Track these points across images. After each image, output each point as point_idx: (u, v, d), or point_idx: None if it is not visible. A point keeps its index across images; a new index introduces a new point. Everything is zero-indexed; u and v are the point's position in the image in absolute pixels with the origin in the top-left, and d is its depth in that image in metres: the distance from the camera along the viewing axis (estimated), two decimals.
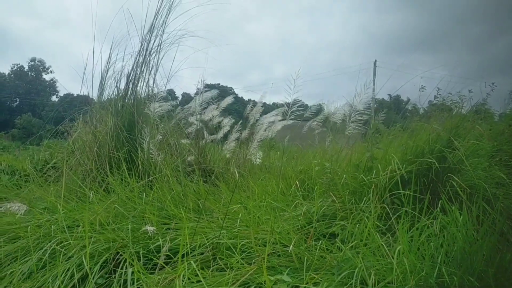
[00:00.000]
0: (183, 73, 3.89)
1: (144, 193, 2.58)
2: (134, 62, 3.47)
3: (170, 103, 4.01)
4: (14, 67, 53.40)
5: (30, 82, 52.52)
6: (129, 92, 3.43)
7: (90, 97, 3.95)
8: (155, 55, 3.48)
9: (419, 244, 1.72)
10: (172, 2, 3.51)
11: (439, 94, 6.28)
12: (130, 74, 3.41)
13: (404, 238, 1.60)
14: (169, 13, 3.49)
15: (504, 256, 1.83)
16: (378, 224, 2.05)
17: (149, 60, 3.44)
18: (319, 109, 4.38)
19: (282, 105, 3.56)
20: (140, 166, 2.95)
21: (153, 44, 3.45)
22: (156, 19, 3.44)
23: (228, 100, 5.00)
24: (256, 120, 4.61)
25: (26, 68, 53.71)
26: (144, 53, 3.40)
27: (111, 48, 3.62)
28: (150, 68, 3.51)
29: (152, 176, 2.82)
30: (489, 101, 5.47)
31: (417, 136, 2.90)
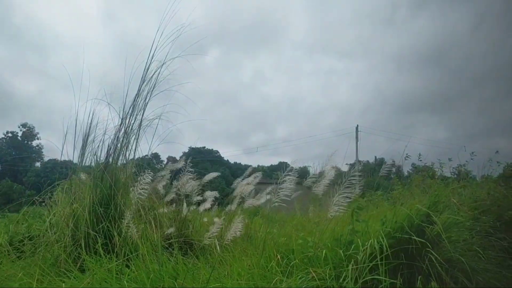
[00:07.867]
0: (177, 135, 3.81)
1: (120, 274, 2.49)
2: (115, 137, 3.42)
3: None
4: (7, 134, 53.14)
5: (19, 148, 52.11)
6: (108, 165, 3.34)
7: (74, 162, 3.80)
8: (137, 130, 3.45)
9: None
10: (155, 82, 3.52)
11: (420, 160, 6.49)
12: (110, 148, 3.37)
13: None
14: (150, 95, 3.50)
15: None
16: None
17: (131, 136, 3.40)
18: (304, 172, 4.35)
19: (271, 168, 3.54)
20: (117, 243, 2.86)
21: (134, 120, 3.44)
22: (139, 97, 3.46)
23: (212, 175, 5.04)
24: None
25: (20, 134, 53.63)
26: (124, 128, 3.39)
27: (92, 113, 3.59)
28: (131, 143, 3.45)
29: (128, 255, 2.71)
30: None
31: (397, 209, 2.92)
